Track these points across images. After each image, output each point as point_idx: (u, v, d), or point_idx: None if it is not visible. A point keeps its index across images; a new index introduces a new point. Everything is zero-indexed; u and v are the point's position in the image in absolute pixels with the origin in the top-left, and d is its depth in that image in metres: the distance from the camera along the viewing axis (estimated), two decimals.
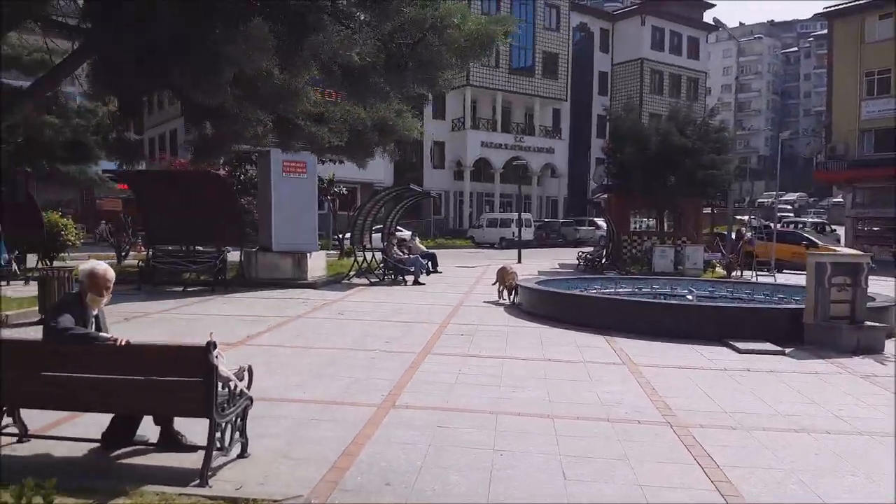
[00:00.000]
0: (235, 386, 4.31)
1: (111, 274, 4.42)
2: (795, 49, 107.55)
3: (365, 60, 10.06)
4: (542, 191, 50.04)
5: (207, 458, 4.00)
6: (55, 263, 17.00)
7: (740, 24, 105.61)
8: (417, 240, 22.36)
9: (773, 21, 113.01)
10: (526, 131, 47.67)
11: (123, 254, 19.19)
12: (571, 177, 50.70)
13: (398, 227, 36.09)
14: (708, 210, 26.32)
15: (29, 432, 4.59)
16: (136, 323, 9.89)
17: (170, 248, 14.69)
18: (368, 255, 16.89)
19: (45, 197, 24.52)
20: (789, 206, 58.22)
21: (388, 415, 5.57)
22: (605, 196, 26.21)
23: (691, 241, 21.58)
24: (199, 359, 3.94)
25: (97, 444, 4.49)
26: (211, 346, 3.96)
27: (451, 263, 23.00)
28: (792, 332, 9.16)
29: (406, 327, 9.99)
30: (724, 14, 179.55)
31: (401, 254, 16.99)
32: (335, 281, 16.12)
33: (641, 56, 51.95)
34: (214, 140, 13.24)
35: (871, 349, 8.67)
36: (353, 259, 16.67)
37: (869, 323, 8.99)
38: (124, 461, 4.40)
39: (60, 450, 4.47)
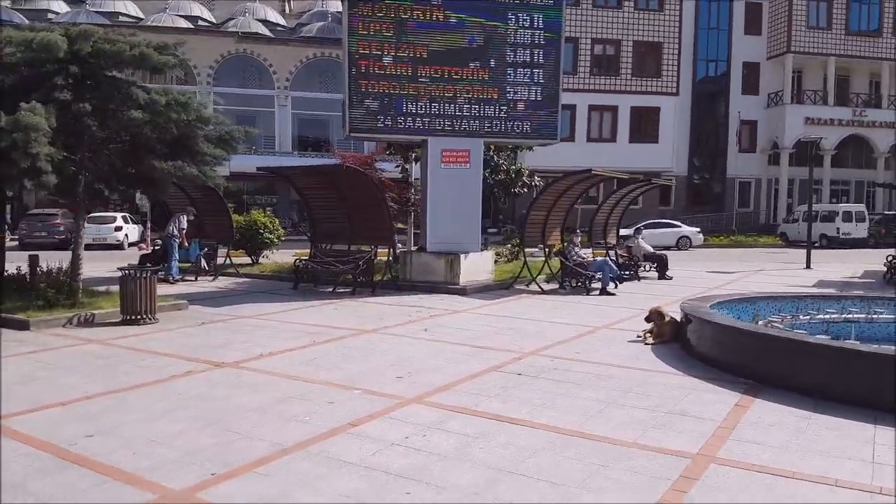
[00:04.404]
0: None
1: None
2: None
3: None
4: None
5: None
6: (260, 260, 18.09)
7: None
8: (641, 239, 18.88)
9: None
10: (870, 103, 39.36)
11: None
12: None
13: (675, 223, 32.05)
14: None
15: None
16: (203, 329, 9.37)
17: (328, 246, 14.33)
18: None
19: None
20: None
21: None
22: None
23: None
24: None
25: None
26: None
27: (709, 266, 19.80)
28: None
29: (464, 356, 7.73)
30: None
31: (581, 256, 14.24)
32: (502, 287, 14.10)
33: None
34: None
35: None
36: (523, 263, 14.39)
37: None
38: None
39: None
